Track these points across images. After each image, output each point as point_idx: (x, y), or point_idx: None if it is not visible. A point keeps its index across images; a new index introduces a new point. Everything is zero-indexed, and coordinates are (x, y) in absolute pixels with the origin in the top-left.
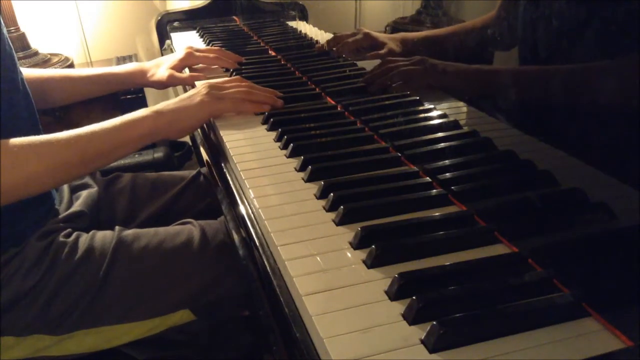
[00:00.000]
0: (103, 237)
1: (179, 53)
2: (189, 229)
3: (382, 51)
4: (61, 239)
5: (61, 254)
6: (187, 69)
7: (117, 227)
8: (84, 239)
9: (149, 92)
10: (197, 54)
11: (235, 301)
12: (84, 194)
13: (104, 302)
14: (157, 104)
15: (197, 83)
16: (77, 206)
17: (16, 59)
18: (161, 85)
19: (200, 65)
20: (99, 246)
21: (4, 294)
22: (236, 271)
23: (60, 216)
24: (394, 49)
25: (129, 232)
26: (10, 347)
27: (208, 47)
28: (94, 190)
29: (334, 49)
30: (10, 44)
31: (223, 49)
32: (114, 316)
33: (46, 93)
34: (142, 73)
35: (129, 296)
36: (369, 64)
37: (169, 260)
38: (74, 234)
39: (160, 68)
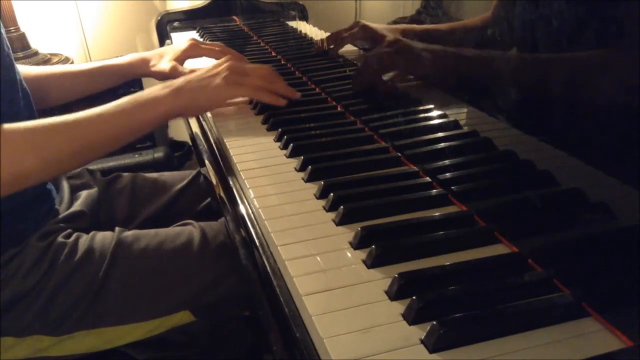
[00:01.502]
0: (103, 238)
1: (182, 44)
2: (189, 230)
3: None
4: (61, 239)
5: (61, 255)
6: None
7: (117, 228)
8: (84, 239)
9: None
10: (202, 45)
11: (236, 302)
12: (83, 194)
13: (103, 303)
14: (176, 80)
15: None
16: (77, 206)
17: (13, 59)
18: (163, 76)
19: (204, 58)
20: (98, 247)
21: (3, 294)
22: (236, 272)
23: (60, 216)
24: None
25: (129, 233)
26: (10, 348)
27: (211, 41)
28: (93, 190)
29: (332, 46)
30: (8, 43)
31: (225, 45)
32: (113, 317)
33: (46, 91)
34: (144, 62)
35: (128, 297)
36: None
37: (169, 262)
38: (74, 235)
39: (163, 59)
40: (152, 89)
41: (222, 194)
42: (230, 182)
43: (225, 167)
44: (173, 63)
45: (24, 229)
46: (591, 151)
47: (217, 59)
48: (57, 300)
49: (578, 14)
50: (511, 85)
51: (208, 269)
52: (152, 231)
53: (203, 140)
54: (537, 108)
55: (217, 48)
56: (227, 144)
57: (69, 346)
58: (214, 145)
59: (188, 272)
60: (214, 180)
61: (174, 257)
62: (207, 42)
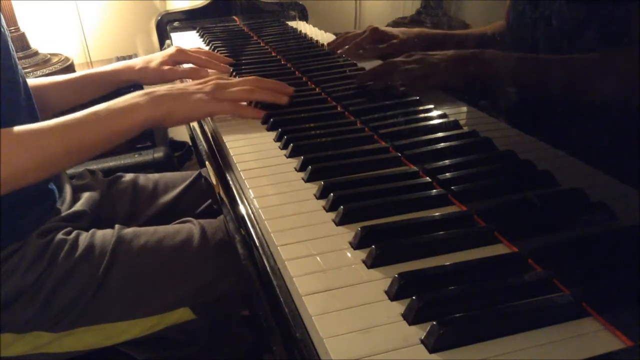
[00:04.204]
0: (103, 235)
1: (169, 49)
2: (188, 228)
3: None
4: (61, 236)
5: (61, 251)
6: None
7: (116, 226)
8: (84, 237)
9: None
10: (189, 51)
11: (235, 300)
12: (85, 195)
13: (103, 299)
14: (159, 89)
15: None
16: (78, 206)
17: (17, 59)
18: (155, 80)
19: (190, 65)
20: (98, 244)
21: (3, 289)
22: (236, 270)
23: (62, 215)
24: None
25: (129, 230)
26: (9, 344)
27: (196, 48)
28: (96, 192)
29: (343, 48)
30: (11, 44)
31: (212, 51)
32: (113, 314)
33: (45, 101)
34: (129, 69)
35: (128, 294)
36: (369, 64)
37: (168, 258)
38: (74, 232)
39: (150, 63)
40: (133, 95)
41: (222, 194)
42: (230, 182)
43: (225, 167)
44: (163, 66)
45: (24, 225)
46: (591, 151)
47: (203, 66)
48: (57, 297)
49: (580, 16)
50: (519, 86)
51: (208, 266)
52: (152, 228)
53: (203, 140)
54: (537, 108)
55: (203, 57)
56: (227, 144)
57: (69, 343)
58: (213, 145)
59: (187, 269)
60: (213, 180)
61: (173, 254)
62: (193, 49)
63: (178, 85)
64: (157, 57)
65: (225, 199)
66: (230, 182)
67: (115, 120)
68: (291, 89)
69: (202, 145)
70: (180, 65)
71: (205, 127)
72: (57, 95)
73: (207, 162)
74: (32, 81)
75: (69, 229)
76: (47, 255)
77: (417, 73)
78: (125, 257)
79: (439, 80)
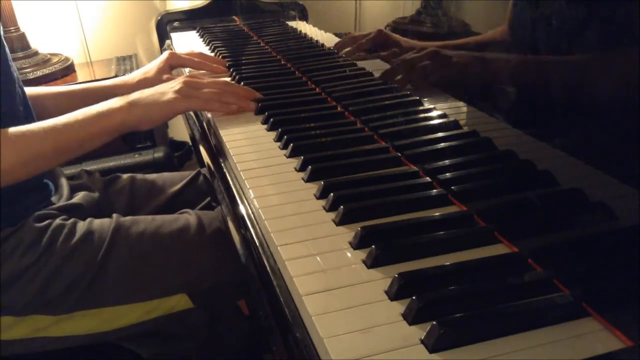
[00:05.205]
0: (101, 222)
1: (162, 56)
2: (185, 217)
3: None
4: (59, 221)
5: (59, 236)
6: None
7: (114, 215)
8: (82, 224)
9: None
10: (181, 54)
11: (232, 290)
12: (82, 193)
13: (102, 283)
14: (133, 94)
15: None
16: (75, 200)
17: (15, 68)
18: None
19: (189, 69)
20: (97, 229)
21: (1, 271)
22: (232, 259)
23: (58, 205)
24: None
25: (127, 218)
26: (9, 327)
27: (189, 51)
28: (93, 192)
29: (346, 49)
30: (9, 55)
31: (204, 53)
32: (111, 297)
33: (42, 110)
34: (127, 84)
35: (126, 278)
36: (369, 64)
37: (166, 245)
38: (72, 219)
39: (149, 75)
40: (112, 100)
41: (221, 194)
42: (230, 182)
43: (225, 167)
44: (158, 73)
45: (18, 211)
46: (591, 151)
47: (196, 68)
48: (55, 280)
49: (580, 16)
50: (520, 86)
51: (204, 254)
52: (150, 217)
53: (203, 140)
54: (538, 108)
55: (196, 59)
56: (227, 144)
57: (68, 327)
58: (213, 145)
59: (185, 255)
60: (213, 180)
61: (171, 240)
62: (185, 52)
63: (151, 88)
64: (153, 67)
65: (225, 199)
66: (230, 182)
67: (92, 123)
68: (258, 94)
69: (202, 144)
70: (183, 70)
71: (205, 127)
72: (53, 105)
73: (206, 162)
74: (30, 90)
75: (65, 216)
76: (45, 239)
77: (432, 66)
78: (123, 242)
79: (453, 71)
